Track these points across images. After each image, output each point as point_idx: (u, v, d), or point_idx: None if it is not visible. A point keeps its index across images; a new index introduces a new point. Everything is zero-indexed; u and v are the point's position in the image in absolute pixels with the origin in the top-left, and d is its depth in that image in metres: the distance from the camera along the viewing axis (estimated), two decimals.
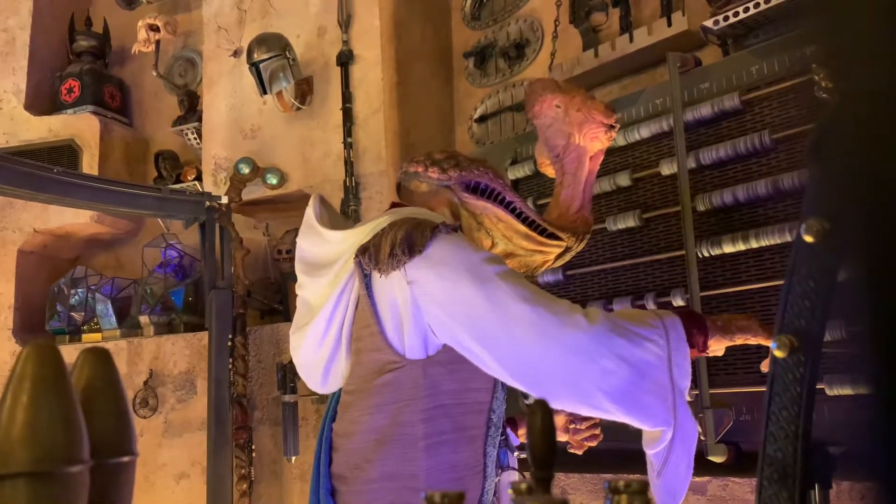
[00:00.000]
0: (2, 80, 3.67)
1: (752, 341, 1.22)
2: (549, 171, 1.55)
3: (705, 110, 1.94)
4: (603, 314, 1.10)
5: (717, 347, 1.21)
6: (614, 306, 2.09)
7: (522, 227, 1.31)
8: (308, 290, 1.29)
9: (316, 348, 1.26)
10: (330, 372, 1.28)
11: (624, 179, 2.11)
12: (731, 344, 1.21)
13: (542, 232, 1.34)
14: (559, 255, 1.41)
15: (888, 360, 0.31)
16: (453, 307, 1.10)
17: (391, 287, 1.15)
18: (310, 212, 1.30)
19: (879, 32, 0.32)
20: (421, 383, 1.14)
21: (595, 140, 1.44)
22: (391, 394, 1.16)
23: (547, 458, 0.57)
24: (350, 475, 1.18)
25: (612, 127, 1.44)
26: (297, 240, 1.32)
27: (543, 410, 0.58)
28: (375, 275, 1.15)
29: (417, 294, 1.12)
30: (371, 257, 1.15)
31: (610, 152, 2.18)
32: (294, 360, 1.36)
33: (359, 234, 1.20)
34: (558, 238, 1.36)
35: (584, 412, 1.13)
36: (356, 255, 1.18)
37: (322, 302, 1.23)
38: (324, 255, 1.25)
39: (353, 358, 1.23)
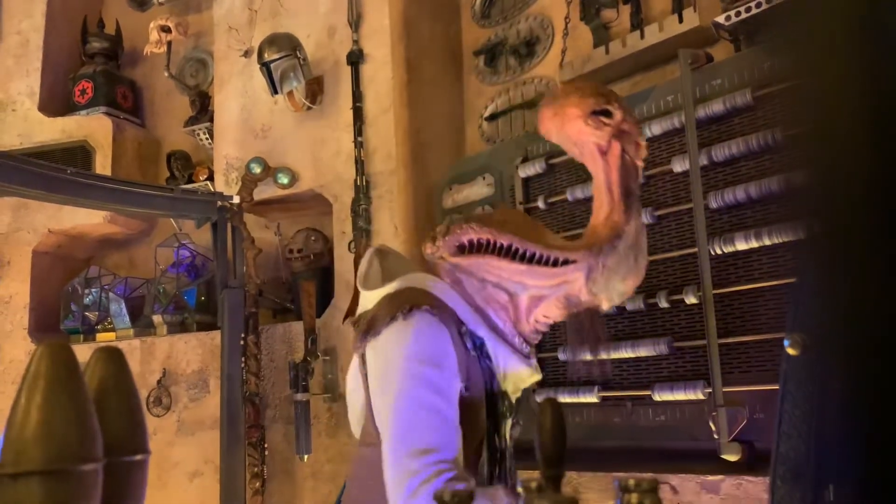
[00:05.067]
0: (16, 83, 3.70)
1: None
2: None
3: (717, 107, 1.93)
4: (429, 495, 0.98)
5: None
6: (626, 305, 2.08)
7: (522, 266, 1.18)
8: None
9: (350, 397, 1.27)
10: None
11: None
12: None
13: (549, 261, 1.19)
14: (596, 278, 1.19)
15: (840, 363, 0.32)
16: (373, 398, 1.13)
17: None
18: (360, 269, 1.30)
19: (845, 45, 0.32)
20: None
21: (583, 134, 1.24)
22: (366, 469, 1.15)
23: (557, 456, 0.57)
24: None
25: (595, 113, 1.21)
26: None
27: (553, 409, 0.58)
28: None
29: (367, 374, 1.16)
30: (360, 331, 1.18)
31: None
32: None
33: (372, 299, 1.23)
34: (570, 261, 1.19)
35: None
36: (353, 325, 1.21)
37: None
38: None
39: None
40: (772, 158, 1.84)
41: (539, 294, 1.21)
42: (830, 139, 0.33)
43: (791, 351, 0.87)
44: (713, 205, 1.91)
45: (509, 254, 1.19)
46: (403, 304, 1.14)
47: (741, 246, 1.85)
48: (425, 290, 1.18)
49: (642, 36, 2.36)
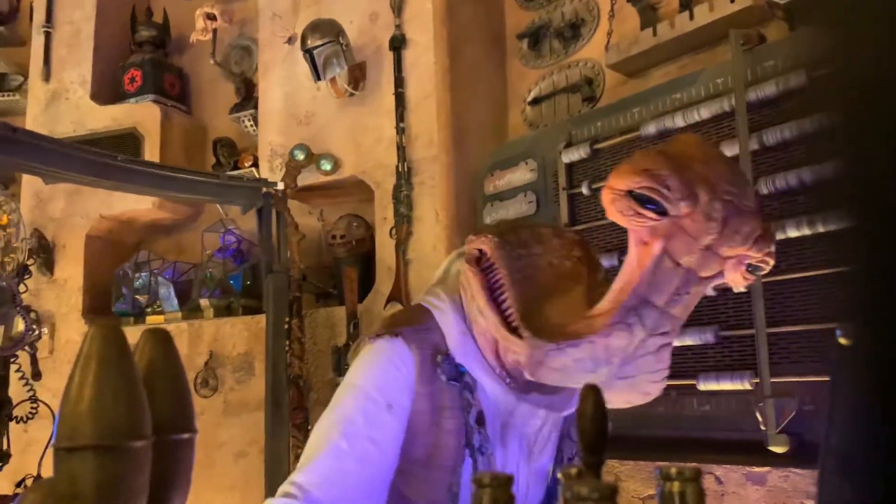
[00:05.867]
0: (69, 71, 3.81)
1: None
2: None
3: (769, 89, 1.87)
4: None
5: None
6: None
7: (487, 310, 1.04)
8: None
9: None
10: None
11: None
12: None
13: (509, 321, 1.03)
14: (534, 370, 1.01)
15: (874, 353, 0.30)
16: None
17: None
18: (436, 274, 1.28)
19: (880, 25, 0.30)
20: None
21: (611, 215, 0.95)
22: None
23: (597, 443, 0.56)
24: None
25: (634, 196, 0.90)
26: None
27: (594, 395, 0.57)
28: None
29: None
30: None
31: (668, 134, 2.13)
32: None
33: None
34: (520, 335, 1.01)
35: None
36: None
37: None
38: None
39: None
40: (812, 147, 1.78)
41: None
42: (866, 127, 0.31)
43: (842, 341, 0.84)
44: (763, 190, 1.86)
45: (494, 289, 1.06)
46: (385, 327, 1.14)
47: (793, 233, 1.80)
48: (426, 308, 1.15)
49: (691, 17, 2.30)
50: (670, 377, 2.10)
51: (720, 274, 0.95)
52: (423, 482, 1.09)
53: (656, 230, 0.91)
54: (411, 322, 1.13)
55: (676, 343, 2.02)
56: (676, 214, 0.89)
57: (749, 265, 0.94)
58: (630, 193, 0.90)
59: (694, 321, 2.03)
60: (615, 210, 0.93)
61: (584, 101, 2.73)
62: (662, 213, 0.89)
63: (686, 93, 2.11)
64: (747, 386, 1.88)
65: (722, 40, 2.23)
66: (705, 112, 2.02)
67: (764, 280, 1.84)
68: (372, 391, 1.07)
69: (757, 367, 1.84)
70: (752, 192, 0.94)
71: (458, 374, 1.09)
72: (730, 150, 1.95)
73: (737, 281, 0.95)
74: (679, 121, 2.07)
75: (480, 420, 1.09)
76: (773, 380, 1.81)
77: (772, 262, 0.94)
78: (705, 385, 1.95)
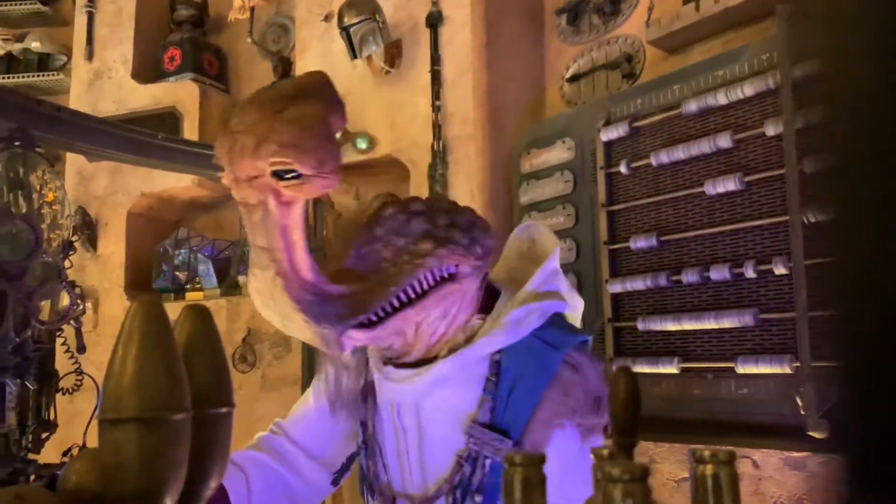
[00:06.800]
0: (111, 51, 3.87)
1: None
2: None
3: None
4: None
5: None
6: (711, 274, 2.01)
7: None
8: None
9: None
10: None
11: (725, 140, 2.01)
12: None
13: None
14: None
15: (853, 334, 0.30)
16: None
17: None
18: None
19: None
20: None
21: None
22: None
23: (630, 424, 0.55)
24: None
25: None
26: None
27: (627, 377, 0.56)
28: None
29: None
30: None
31: (710, 112, 2.08)
32: None
33: None
34: None
35: None
36: None
37: None
38: None
39: None
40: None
41: None
42: (854, 120, 0.30)
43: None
44: (808, 170, 1.80)
45: None
46: None
47: None
48: None
49: None
50: (707, 360, 2.08)
51: (270, 196, 0.95)
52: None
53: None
54: None
55: (714, 325, 2.00)
56: None
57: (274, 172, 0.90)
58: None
59: (734, 304, 1.99)
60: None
61: (624, 78, 2.68)
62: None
63: (729, 69, 2.05)
64: (787, 370, 1.84)
65: (767, 16, 2.16)
66: (749, 89, 1.96)
67: (805, 263, 1.80)
68: (336, 357, 1.24)
69: (797, 350, 1.80)
70: (258, 109, 0.89)
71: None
72: (774, 128, 1.89)
73: (298, 193, 0.92)
74: (721, 98, 2.02)
75: (366, 387, 1.21)
76: (813, 363, 1.77)
77: (285, 158, 0.87)
78: (744, 368, 1.92)
